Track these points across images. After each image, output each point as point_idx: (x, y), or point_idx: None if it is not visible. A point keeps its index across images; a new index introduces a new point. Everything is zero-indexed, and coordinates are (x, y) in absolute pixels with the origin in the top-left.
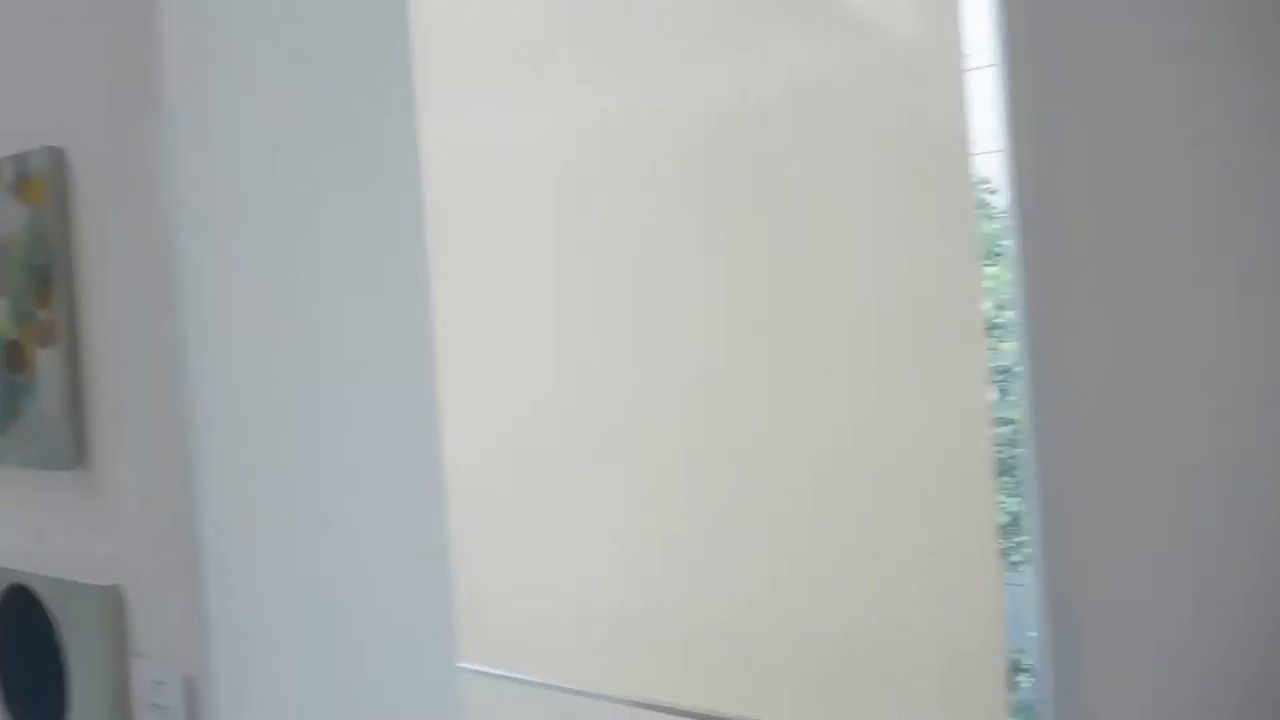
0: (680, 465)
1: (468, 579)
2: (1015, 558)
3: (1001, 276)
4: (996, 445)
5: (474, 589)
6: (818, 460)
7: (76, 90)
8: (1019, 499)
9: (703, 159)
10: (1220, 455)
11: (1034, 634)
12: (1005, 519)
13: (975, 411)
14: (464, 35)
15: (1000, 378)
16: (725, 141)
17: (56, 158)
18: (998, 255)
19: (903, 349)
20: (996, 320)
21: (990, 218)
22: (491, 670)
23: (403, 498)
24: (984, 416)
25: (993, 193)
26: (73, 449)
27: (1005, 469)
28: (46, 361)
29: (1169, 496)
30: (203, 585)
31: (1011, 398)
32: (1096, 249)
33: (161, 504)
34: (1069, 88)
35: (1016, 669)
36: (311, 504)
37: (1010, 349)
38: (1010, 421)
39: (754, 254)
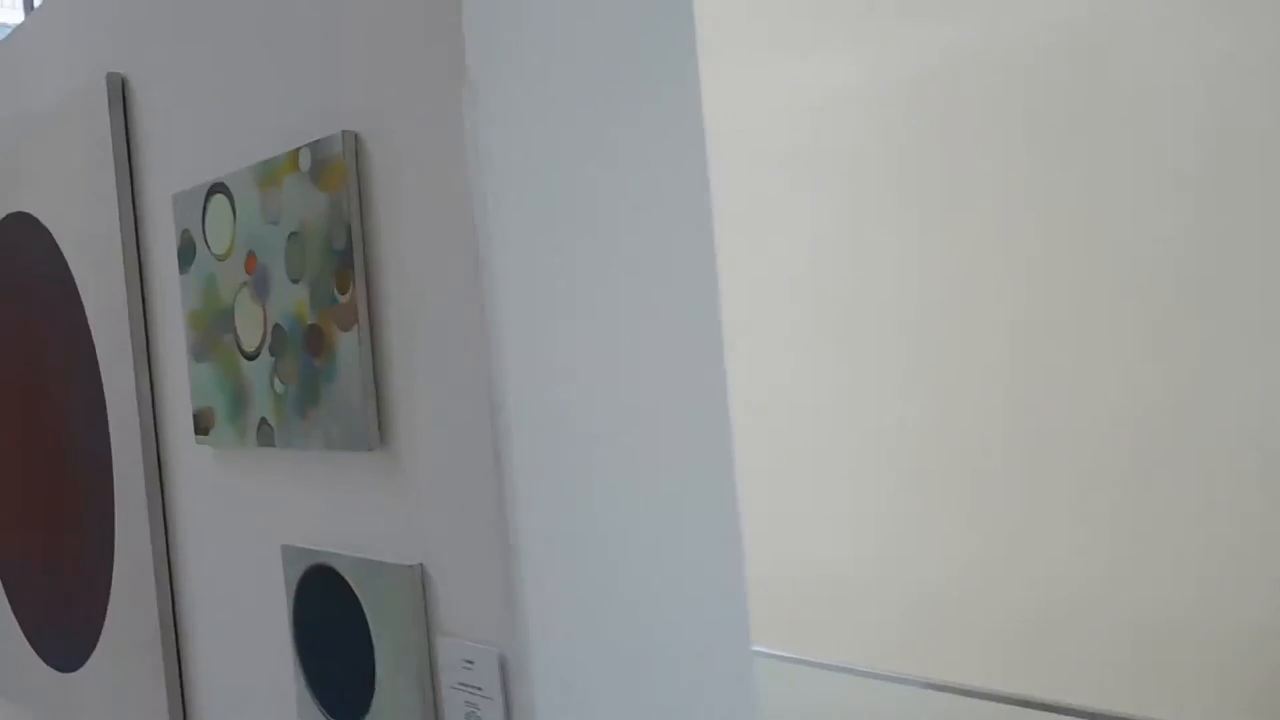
0: (954, 439)
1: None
2: None
3: None
4: None
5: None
6: (1131, 429)
7: (372, 74)
8: None
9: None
10: None
11: None
12: None
13: None
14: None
15: None
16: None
17: (354, 142)
18: None
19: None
20: None
21: None
22: (776, 652)
23: (697, 476)
24: None
25: None
26: (374, 430)
27: None
28: (346, 344)
29: None
30: (516, 565)
31: None
32: None
33: (466, 483)
34: None
35: None
36: (618, 484)
37: None
38: None
39: (1045, 209)
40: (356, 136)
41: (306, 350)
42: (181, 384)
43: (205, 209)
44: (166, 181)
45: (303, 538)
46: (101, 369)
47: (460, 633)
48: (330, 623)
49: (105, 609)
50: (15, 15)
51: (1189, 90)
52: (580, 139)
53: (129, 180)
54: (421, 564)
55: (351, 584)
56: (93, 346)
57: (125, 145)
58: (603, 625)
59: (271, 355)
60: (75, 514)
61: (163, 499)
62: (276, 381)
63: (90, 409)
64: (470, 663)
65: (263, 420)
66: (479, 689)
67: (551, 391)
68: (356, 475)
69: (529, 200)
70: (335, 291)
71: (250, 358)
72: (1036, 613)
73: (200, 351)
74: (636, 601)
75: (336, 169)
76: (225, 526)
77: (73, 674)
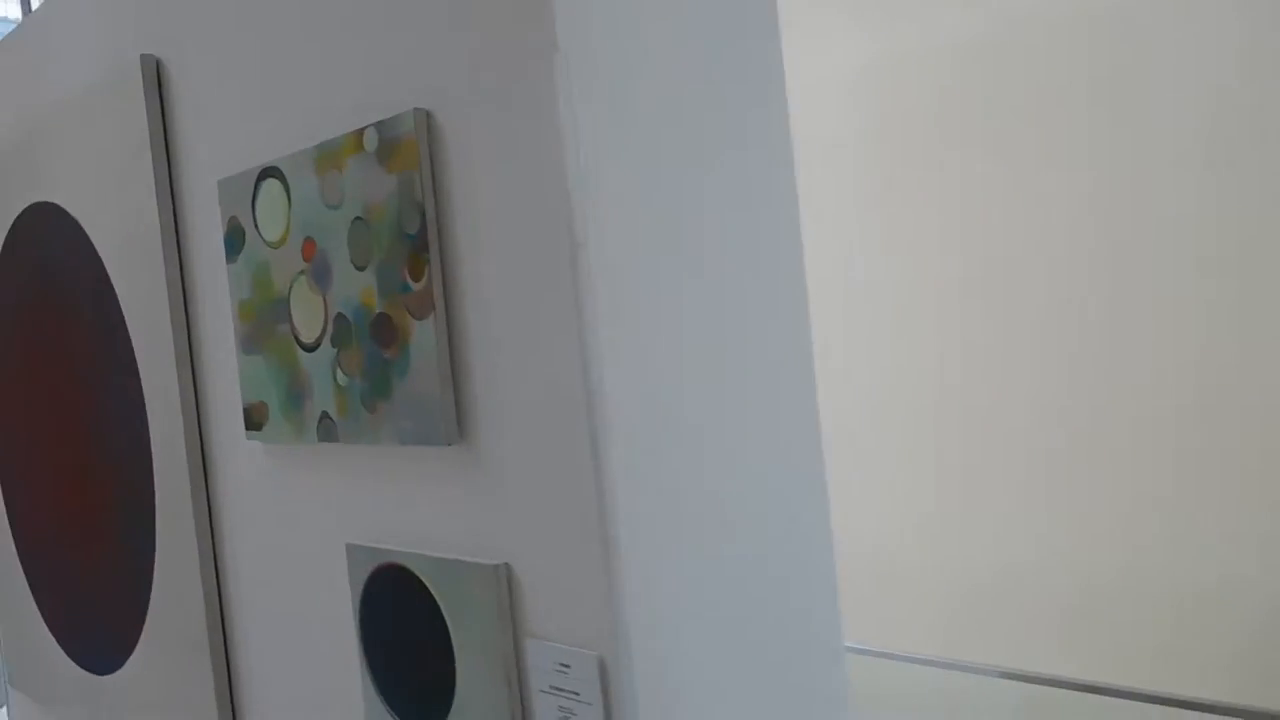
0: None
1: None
2: None
3: None
4: None
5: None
6: (1187, 410)
7: (446, 49)
8: None
9: None
10: None
11: None
12: None
13: None
14: None
15: None
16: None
17: (425, 120)
18: None
19: None
20: None
21: None
22: (867, 648)
23: (789, 472)
24: None
25: None
26: (452, 423)
27: None
28: (421, 334)
29: None
30: (617, 564)
31: None
32: None
33: (556, 479)
34: None
35: None
36: (715, 478)
37: None
38: None
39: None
40: (429, 114)
41: (375, 341)
42: (228, 378)
43: (256, 194)
44: (209, 167)
45: (370, 536)
46: (140, 364)
47: (552, 635)
48: (403, 624)
49: (145, 611)
50: (13, 9)
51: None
52: (673, 117)
53: (167, 167)
54: (507, 564)
55: (428, 584)
56: (129, 340)
57: (163, 131)
58: (701, 626)
59: (333, 346)
60: (111, 514)
61: (208, 498)
62: (339, 374)
63: (127, 406)
64: (565, 666)
65: (324, 415)
66: (575, 693)
67: (649, 382)
68: (433, 471)
69: (624, 182)
70: (407, 278)
71: (309, 349)
72: (1088, 595)
73: (251, 344)
74: (734, 600)
75: (407, 149)
76: (281, 525)
77: (108, 676)
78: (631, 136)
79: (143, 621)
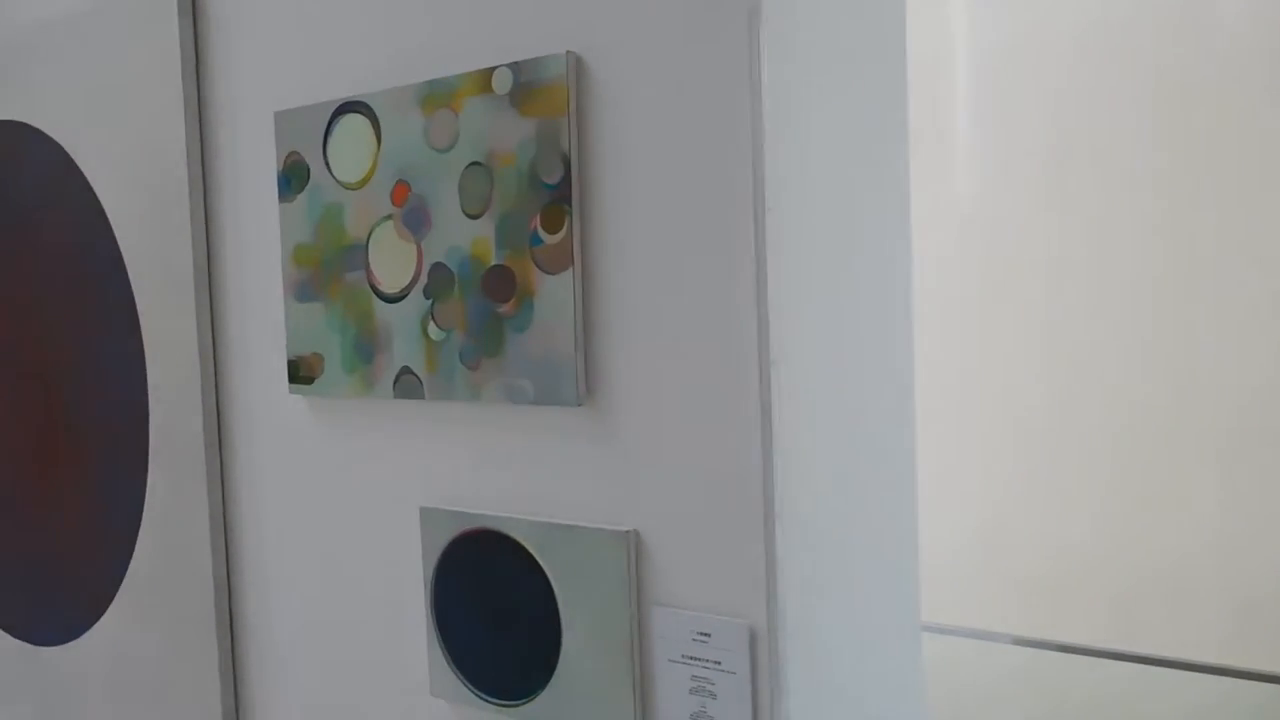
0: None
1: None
2: None
3: None
4: None
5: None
6: None
7: None
8: None
9: None
10: None
11: None
12: None
13: None
14: None
15: None
16: None
17: (574, 64)
18: None
19: None
20: None
21: None
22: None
23: (886, 447)
24: None
25: None
26: (581, 383)
27: None
28: (552, 290)
29: None
30: (778, 533)
31: None
32: None
33: (708, 445)
34: None
35: None
36: (870, 455)
37: None
38: None
39: None
40: (578, 58)
41: (485, 294)
42: (259, 327)
43: (329, 130)
44: (257, 97)
45: (452, 499)
46: (140, 310)
47: (685, 603)
48: (490, 591)
49: (121, 575)
50: None
51: None
52: (837, 67)
53: (196, 95)
54: (635, 530)
55: (530, 549)
56: (127, 284)
57: (195, 53)
58: (843, 596)
59: (427, 298)
60: (79, 471)
61: (221, 455)
62: (433, 327)
63: (117, 356)
64: (705, 635)
65: (404, 370)
66: (716, 662)
67: (824, 353)
68: (553, 432)
69: (812, 145)
70: (540, 230)
71: (391, 299)
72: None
73: (306, 291)
74: (871, 573)
75: (552, 94)
76: (327, 484)
77: (57, 648)
78: (820, 103)
79: (115, 588)
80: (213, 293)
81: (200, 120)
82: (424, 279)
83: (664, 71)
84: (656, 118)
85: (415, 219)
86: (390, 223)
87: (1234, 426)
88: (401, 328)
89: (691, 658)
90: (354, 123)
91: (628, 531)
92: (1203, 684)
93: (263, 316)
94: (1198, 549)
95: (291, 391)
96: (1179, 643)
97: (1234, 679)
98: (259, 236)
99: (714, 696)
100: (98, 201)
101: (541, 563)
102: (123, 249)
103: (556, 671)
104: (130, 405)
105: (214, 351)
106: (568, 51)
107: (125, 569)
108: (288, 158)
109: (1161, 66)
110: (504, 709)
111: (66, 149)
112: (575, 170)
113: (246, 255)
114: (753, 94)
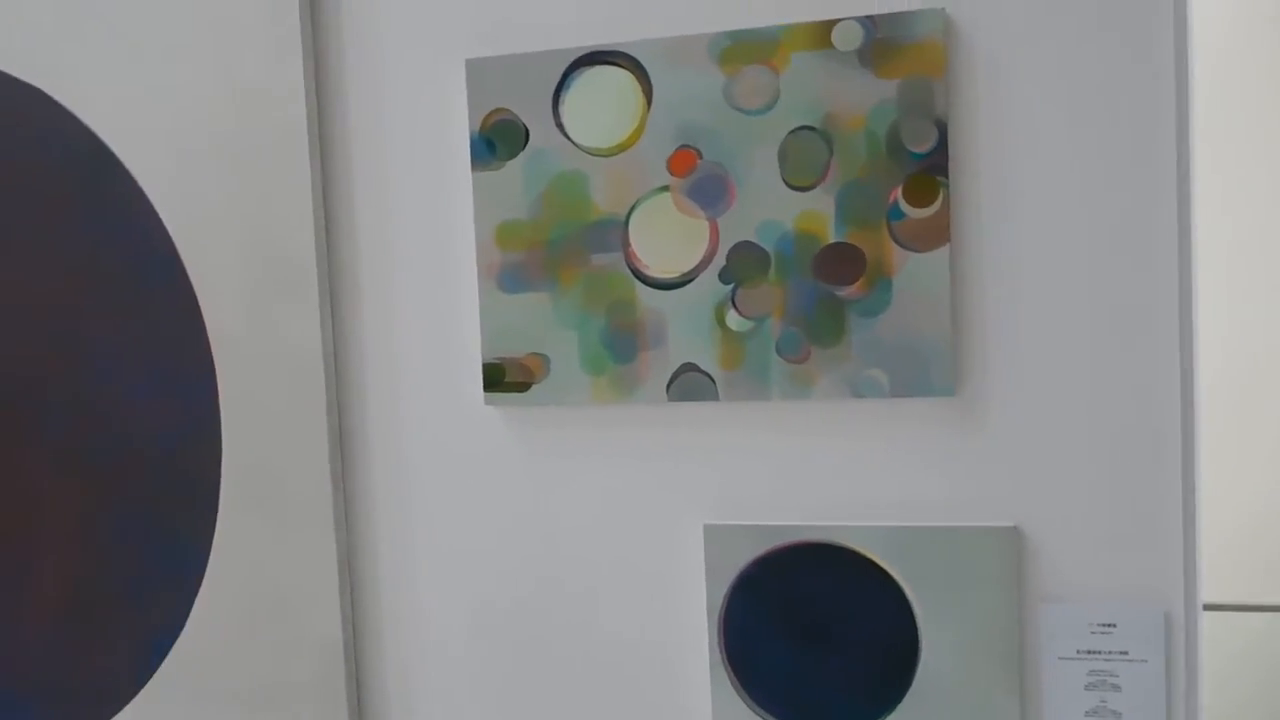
0: None
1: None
2: None
3: None
4: None
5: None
6: None
7: None
8: None
9: None
10: None
11: None
12: None
13: None
14: None
15: None
16: None
17: (945, 23)
18: None
19: None
20: None
21: None
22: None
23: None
24: None
25: None
26: (952, 371)
27: None
28: (918, 269)
29: None
30: (1188, 514)
31: None
32: None
33: (1097, 428)
34: None
35: None
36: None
37: None
38: None
39: None
40: (946, 16)
41: (819, 276)
42: (419, 326)
43: (562, 86)
44: (424, 39)
45: (749, 513)
46: (201, 303)
47: (1077, 597)
48: (814, 611)
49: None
50: None
51: None
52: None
53: (311, 29)
54: (1017, 526)
55: (874, 558)
56: (179, 264)
57: None
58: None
59: (725, 282)
60: (72, 525)
61: (345, 493)
62: (733, 315)
63: (169, 360)
64: (1108, 626)
65: (686, 367)
66: (1122, 653)
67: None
68: (910, 427)
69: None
70: (902, 202)
71: (667, 286)
72: None
73: (518, 278)
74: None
75: (923, 52)
76: (536, 516)
77: None
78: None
79: (149, 659)
80: (332, 285)
81: (316, 61)
82: (720, 260)
83: (1058, 38)
84: (1050, 86)
85: (707, 191)
86: (666, 195)
87: None
88: (683, 318)
89: (1089, 651)
90: (606, 76)
91: (1010, 528)
92: None
93: (426, 313)
94: None
95: (488, 402)
96: None
97: None
98: (420, 212)
99: (1117, 689)
100: (119, 165)
101: (891, 571)
102: (165, 222)
103: (912, 688)
104: (183, 433)
105: (335, 360)
106: (939, 8)
107: (176, 635)
108: (488, 117)
109: None
110: None
111: (72, 110)
112: (951, 138)
113: (397, 237)
114: (1179, 72)
